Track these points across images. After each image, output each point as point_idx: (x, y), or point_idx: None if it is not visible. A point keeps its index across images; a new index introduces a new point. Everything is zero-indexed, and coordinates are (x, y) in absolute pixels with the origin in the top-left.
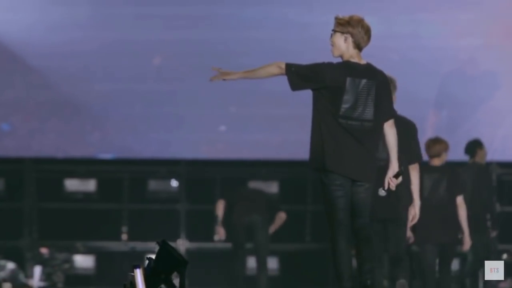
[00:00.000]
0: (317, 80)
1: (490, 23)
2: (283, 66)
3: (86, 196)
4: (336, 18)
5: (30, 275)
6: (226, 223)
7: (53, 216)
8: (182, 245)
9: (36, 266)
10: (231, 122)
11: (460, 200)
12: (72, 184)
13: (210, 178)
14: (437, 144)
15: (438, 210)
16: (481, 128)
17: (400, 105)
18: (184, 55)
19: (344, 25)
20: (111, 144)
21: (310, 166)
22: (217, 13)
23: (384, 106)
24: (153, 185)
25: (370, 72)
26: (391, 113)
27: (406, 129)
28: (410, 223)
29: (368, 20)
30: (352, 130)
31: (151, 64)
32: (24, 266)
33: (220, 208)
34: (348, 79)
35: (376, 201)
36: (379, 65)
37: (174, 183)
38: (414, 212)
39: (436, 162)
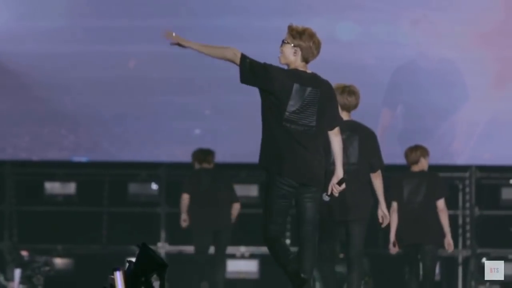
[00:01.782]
0: (267, 79)
1: (467, 32)
2: (239, 55)
3: (66, 199)
4: (289, 28)
5: (10, 278)
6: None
7: (33, 219)
8: (162, 248)
9: (16, 269)
10: (205, 125)
11: (441, 203)
12: (52, 187)
13: None
14: (413, 151)
15: (417, 214)
16: (456, 133)
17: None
18: (159, 61)
19: (295, 37)
20: (86, 147)
21: (259, 165)
22: (196, 23)
23: (329, 114)
24: (133, 188)
25: (315, 81)
26: (336, 121)
27: (367, 138)
28: (383, 224)
29: (347, 27)
30: (295, 134)
31: (126, 68)
32: (4, 269)
33: (185, 203)
34: (295, 85)
35: (337, 204)
36: (356, 71)
37: (154, 186)
38: (382, 212)
39: (415, 168)
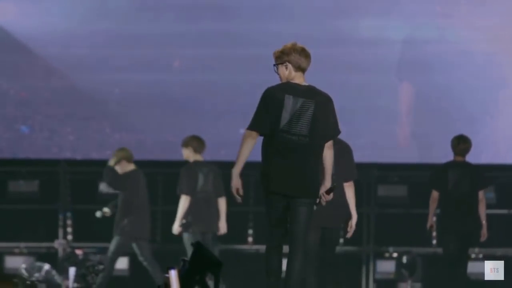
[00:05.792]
0: (268, 110)
1: (501, 29)
2: (255, 134)
3: None
4: (273, 55)
5: (65, 277)
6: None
7: (87, 217)
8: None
9: (71, 268)
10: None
11: (481, 193)
12: (105, 186)
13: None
14: (464, 142)
15: (460, 203)
16: (498, 130)
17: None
18: (201, 62)
19: (280, 57)
20: (129, 145)
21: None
22: (208, 28)
23: (323, 126)
24: None
25: (309, 92)
26: (330, 134)
27: (342, 150)
28: (349, 234)
29: (390, 24)
30: (288, 143)
31: (170, 68)
32: (59, 267)
33: (185, 206)
34: (286, 96)
35: (315, 211)
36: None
37: None
38: (351, 224)
39: (460, 158)
